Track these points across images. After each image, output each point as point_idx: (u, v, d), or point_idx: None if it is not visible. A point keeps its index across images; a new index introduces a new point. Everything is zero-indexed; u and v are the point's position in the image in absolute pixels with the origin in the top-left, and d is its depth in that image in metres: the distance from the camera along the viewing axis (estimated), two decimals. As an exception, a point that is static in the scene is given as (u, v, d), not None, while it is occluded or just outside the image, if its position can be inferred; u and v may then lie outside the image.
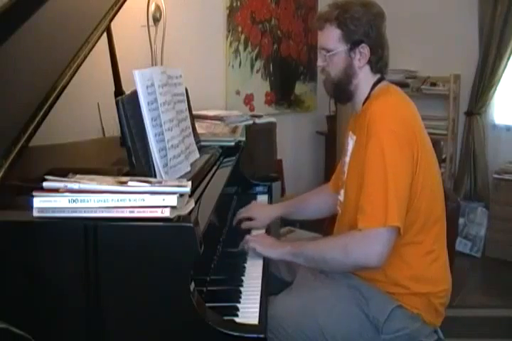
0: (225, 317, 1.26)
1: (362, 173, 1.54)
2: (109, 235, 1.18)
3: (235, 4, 3.49)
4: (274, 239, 1.73)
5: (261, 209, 2.01)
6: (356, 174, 1.59)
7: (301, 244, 1.63)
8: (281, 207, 2.04)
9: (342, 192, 1.71)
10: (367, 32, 1.60)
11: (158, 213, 1.16)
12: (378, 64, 1.65)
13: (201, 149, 1.82)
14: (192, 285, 1.20)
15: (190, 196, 1.27)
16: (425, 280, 1.58)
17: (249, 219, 1.93)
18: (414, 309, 1.57)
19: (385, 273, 1.55)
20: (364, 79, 1.65)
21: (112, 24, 1.78)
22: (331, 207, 1.87)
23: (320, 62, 1.69)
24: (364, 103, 1.66)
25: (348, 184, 1.66)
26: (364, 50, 1.61)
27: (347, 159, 1.70)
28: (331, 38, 1.63)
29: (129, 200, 1.16)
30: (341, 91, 1.68)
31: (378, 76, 1.67)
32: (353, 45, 1.61)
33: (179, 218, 1.19)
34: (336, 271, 1.62)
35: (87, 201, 1.16)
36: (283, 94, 4.03)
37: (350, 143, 1.69)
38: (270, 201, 2.22)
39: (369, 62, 1.63)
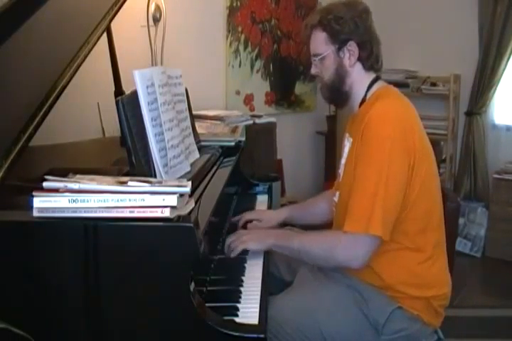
0: (225, 317, 1.26)
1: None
2: (109, 235, 1.18)
3: (235, 4, 3.49)
4: (259, 231, 1.73)
5: (267, 212, 2.03)
6: (350, 177, 1.58)
7: (287, 237, 1.64)
8: (286, 210, 2.03)
9: (337, 193, 1.71)
10: (352, 29, 1.59)
11: (158, 213, 1.16)
12: (369, 60, 1.63)
13: (201, 149, 1.82)
14: (192, 286, 1.20)
15: (190, 196, 1.27)
16: (424, 286, 1.58)
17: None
18: (414, 310, 1.56)
19: (382, 278, 1.55)
20: (358, 77, 1.64)
21: (112, 24, 1.78)
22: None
23: (313, 70, 1.68)
24: (361, 104, 1.65)
25: (342, 186, 1.66)
26: (352, 47, 1.60)
27: (343, 161, 1.69)
28: (318, 42, 1.63)
29: (129, 200, 1.16)
30: (336, 93, 1.66)
31: (373, 75, 1.66)
32: (341, 44, 1.60)
33: (179, 218, 1.19)
34: (317, 265, 1.66)
35: (87, 201, 1.16)
36: (283, 94, 4.03)
37: (347, 145, 1.68)
38: (270, 201, 2.22)
39: (360, 59, 1.62)
